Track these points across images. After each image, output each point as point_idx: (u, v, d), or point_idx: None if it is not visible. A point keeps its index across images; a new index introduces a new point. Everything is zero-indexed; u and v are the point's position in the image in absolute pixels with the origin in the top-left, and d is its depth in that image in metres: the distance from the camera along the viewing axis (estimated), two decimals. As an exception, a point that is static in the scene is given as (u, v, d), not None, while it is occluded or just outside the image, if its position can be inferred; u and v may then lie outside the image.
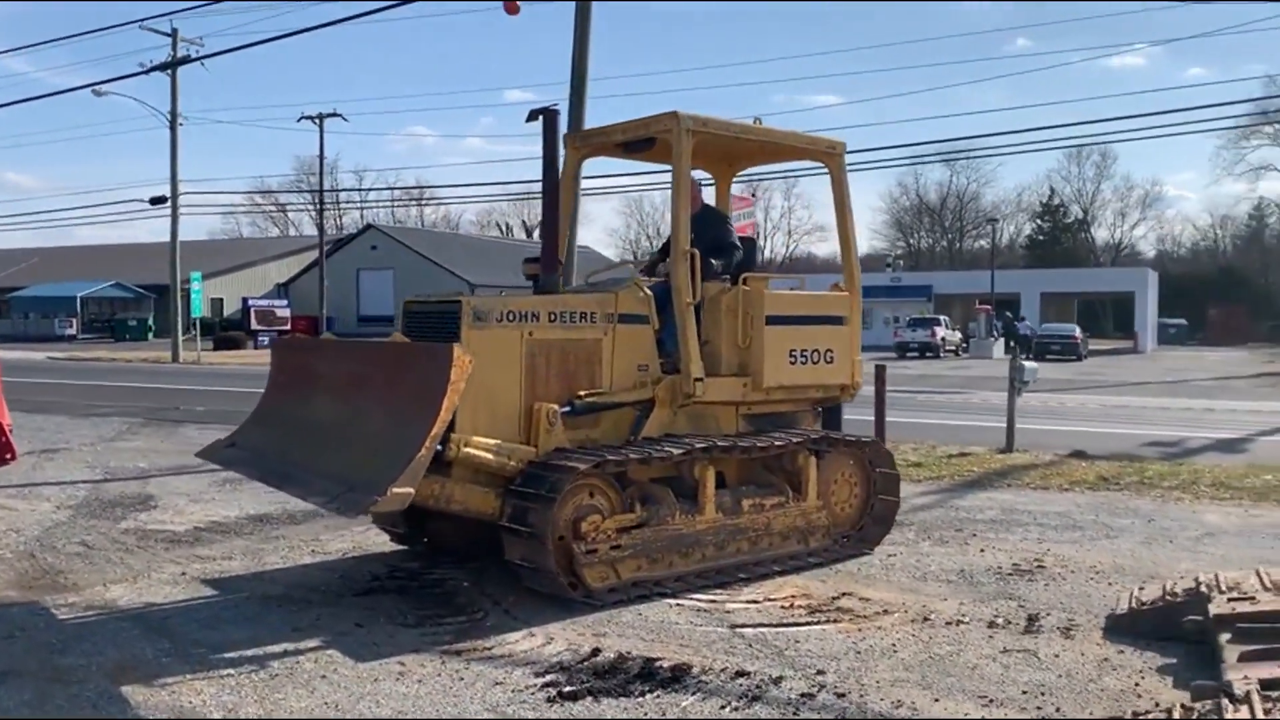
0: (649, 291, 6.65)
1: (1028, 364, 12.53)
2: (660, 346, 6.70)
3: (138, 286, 61.39)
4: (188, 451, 12.41)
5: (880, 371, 11.45)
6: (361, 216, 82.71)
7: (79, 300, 59.19)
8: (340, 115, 43.17)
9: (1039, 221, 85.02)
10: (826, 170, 7.75)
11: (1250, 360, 43.46)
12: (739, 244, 7.47)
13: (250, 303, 48.62)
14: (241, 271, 65.83)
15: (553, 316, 6.20)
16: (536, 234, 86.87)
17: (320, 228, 48.24)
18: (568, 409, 6.12)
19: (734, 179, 8.55)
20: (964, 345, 44.73)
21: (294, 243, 76.74)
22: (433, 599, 5.84)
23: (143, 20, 34.68)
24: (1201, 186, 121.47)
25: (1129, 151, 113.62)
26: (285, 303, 51.69)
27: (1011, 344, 45.07)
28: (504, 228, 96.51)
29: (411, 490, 4.90)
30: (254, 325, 45.87)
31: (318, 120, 43.31)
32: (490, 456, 5.66)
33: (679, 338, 6.60)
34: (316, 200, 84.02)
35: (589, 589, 5.64)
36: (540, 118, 6.58)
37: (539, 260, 6.79)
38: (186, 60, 35.94)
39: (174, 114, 37.01)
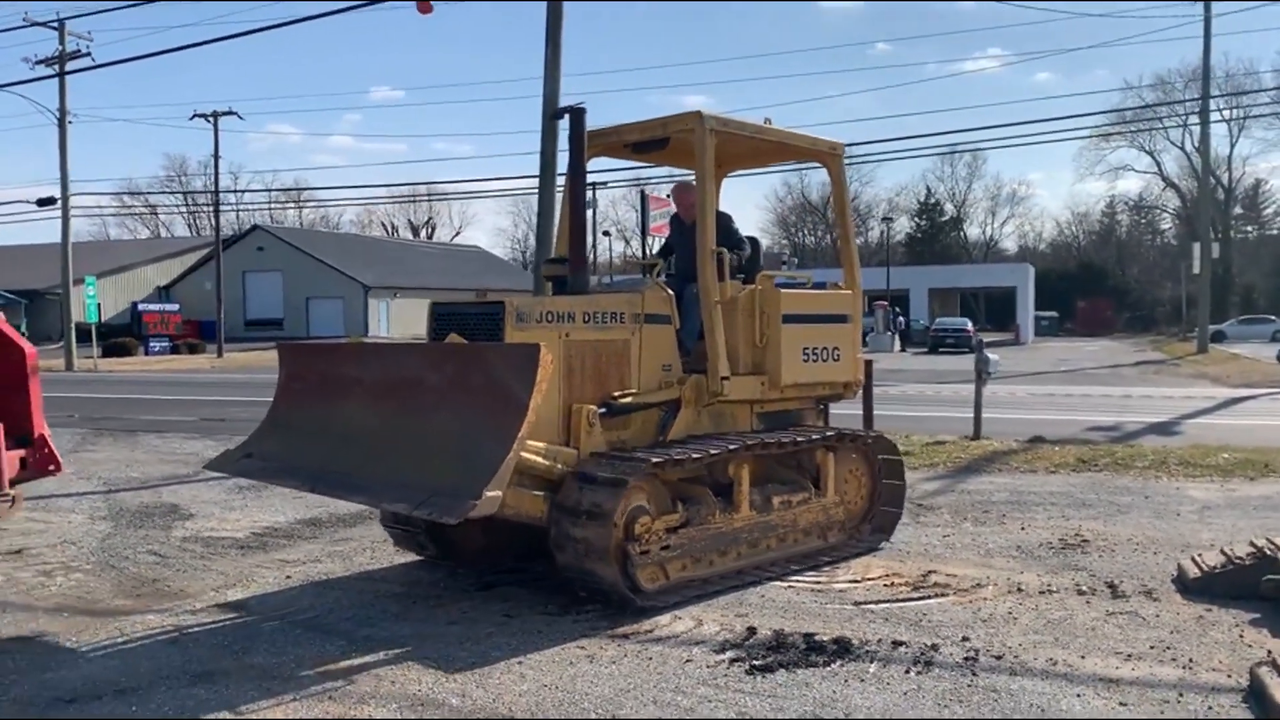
0: (670, 291, 6.69)
1: (991, 356, 13.33)
2: (680, 346, 6.73)
3: (6, 292, 58.23)
4: (168, 460, 12.25)
5: (868, 366, 12.04)
6: (238, 218, 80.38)
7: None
8: (235, 114, 41.91)
9: (917, 220, 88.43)
10: (826, 171, 7.96)
11: (1125, 349, 46.30)
12: (746, 242, 7.48)
13: (141, 307, 46.77)
14: (119, 275, 63.10)
15: (586, 317, 6.18)
16: (425, 233, 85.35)
17: (217, 229, 46.72)
18: (604, 410, 6.12)
19: (723, 180, 8.26)
20: (863, 340, 46.27)
21: (171, 245, 73.99)
22: (558, 591, 6.04)
23: (31, 18, 33.16)
24: (1056, 186, 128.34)
25: (997, 152, 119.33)
26: (176, 307, 49.92)
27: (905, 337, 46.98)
28: (389, 227, 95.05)
29: (501, 493, 4.84)
30: (150, 330, 44.17)
31: (211, 118, 41.96)
32: (541, 460, 5.60)
33: (707, 337, 6.68)
34: (200, 201, 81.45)
35: (642, 590, 5.67)
36: (567, 116, 6.57)
37: (563, 261, 6.75)
38: (75, 55, 34.52)
39: (62, 111, 35.44)
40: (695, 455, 5.99)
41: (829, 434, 7.04)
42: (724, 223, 7.19)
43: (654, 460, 5.72)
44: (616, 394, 6.25)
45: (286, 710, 4.26)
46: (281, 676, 4.66)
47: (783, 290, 7.12)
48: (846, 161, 8.12)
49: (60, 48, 34.32)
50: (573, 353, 6.06)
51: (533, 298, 6.27)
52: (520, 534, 6.10)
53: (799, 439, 6.77)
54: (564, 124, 6.79)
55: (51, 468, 8.08)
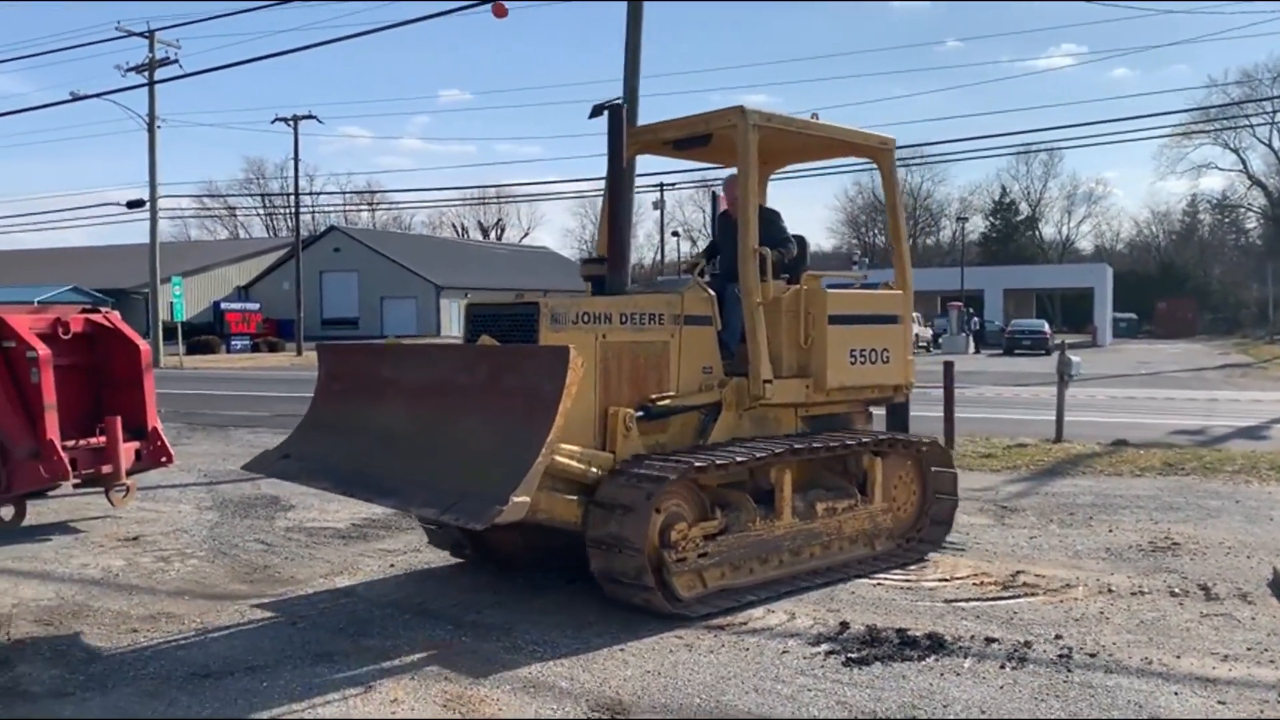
0: (711, 292, 6.54)
1: (1074, 358, 13.22)
2: (721, 347, 6.59)
3: (95, 291, 60.33)
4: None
5: (948, 368, 12.05)
6: (313, 219, 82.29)
7: (35, 305, 57.94)
8: (315, 117, 42.97)
9: (991, 220, 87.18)
10: (876, 167, 7.74)
11: (1207, 352, 45.17)
12: (792, 240, 7.27)
13: (223, 306, 48.17)
14: (201, 275, 64.96)
15: (623, 318, 6.05)
16: (494, 234, 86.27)
17: (297, 230, 47.97)
18: (642, 413, 5.99)
19: (770, 176, 8.26)
20: (936, 342, 45.88)
21: (250, 245, 75.87)
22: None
23: (121, 29, 34.36)
24: (1134, 184, 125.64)
25: (1073, 151, 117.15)
26: (257, 306, 51.27)
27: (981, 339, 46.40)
28: (460, 228, 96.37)
29: (528, 499, 4.75)
30: (232, 329, 45.50)
31: (292, 122, 43.05)
32: (575, 464, 5.50)
33: (748, 339, 6.52)
34: (276, 203, 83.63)
35: (679, 598, 5.55)
36: (605, 114, 6.31)
37: (600, 261, 6.61)
38: (165, 63, 35.68)
39: (152, 117, 36.64)
40: (739, 460, 5.82)
41: (881, 438, 6.88)
42: (770, 219, 6.99)
43: (676, 473, 5.50)
44: (654, 397, 6.12)
45: (405, 688, 4.50)
46: (397, 657, 4.91)
47: (829, 290, 6.95)
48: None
49: (150, 56, 35.51)
50: (609, 354, 5.95)
51: (569, 298, 6.09)
52: (561, 536, 5.89)
53: (848, 442, 6.58)
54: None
55: (164, 459, 8.51)
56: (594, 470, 5.60)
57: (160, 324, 36.87)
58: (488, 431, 5.25)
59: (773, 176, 8.36)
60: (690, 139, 7.17)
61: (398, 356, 6.24)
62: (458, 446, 5.34)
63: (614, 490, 5.49)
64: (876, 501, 6.77)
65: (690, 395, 6.33)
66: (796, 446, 6.20)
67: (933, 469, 7.18)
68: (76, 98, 33.29)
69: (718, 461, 5.73)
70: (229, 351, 44.94)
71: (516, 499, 4.66)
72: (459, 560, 6.93)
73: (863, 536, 6.68)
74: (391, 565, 6.84)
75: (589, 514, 5.51)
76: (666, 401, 6.17)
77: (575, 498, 5.54)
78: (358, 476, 5.62)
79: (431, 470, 5.29)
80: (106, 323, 8.56)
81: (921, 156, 59.73)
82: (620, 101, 6.37)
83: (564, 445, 5.36)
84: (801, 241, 7.53)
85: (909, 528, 7.09)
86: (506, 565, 6.58)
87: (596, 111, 6.40)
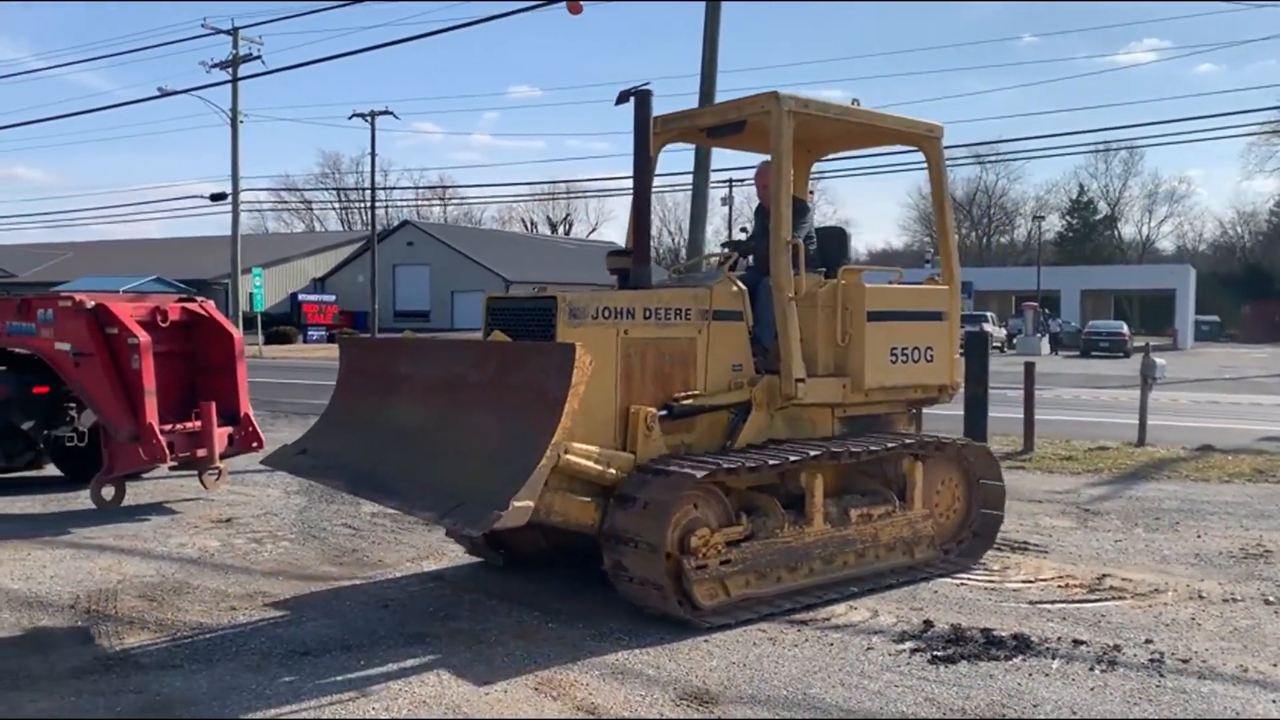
0: (742, 286, 6.28)
1: (1158, 360, 12.94)
2: (754, 344, 6.35)
3: (176, 281, 62.04)
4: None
5: (1029, 369, 11.89)
6: (386, 214, 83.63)
7: (121, 294, 59.79)
8: (391, 113, 43.66)
9: (1069, 219, 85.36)
10: (922, 156, 7.33)
11: (1294, 358, 43.75)
12: (814, 237, 6.97)
13: (300, 297, 49.24)
14: (278, 266, 66.37)
15: (647, 313, 5.78)
16: (563, 229, 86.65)
17: (373, 224, 48.98)
18: (665, 412, 5.76)
19: (813, 166, 8.02)
20: (1010, 342, 45.07)
21: (327, 238, 77.35)
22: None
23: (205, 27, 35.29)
24: (1219, 183, 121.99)
25: (1155, 149, 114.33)
26: (333, 297, 52.31)
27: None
28: (529, 223, 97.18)
29: (532, 504, 4.56)
30: (309, 320, 46.52)
31: (369, 117, 43.80)
32: (591, 464, 5.28)
33: (780, 336, 6.24)
34: (351, 197, 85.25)
35: (699, 607, 5.30)
36: (631, 100, 6.02)
37: (626, 254, 6.39)
38: (248, 59, 36.57)
39: (234, 112, 37.58)
40: (751, 465, 5.55)
41: (927, 440, 6.57)
42: (795, 210, 6.51)
43: (703, 471, 5.30)
44: (679, 395, 5.89)
45: (497, 670, 4.61)
46: (487, 642, 5.02)
47: (868, 285, 6.64)
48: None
49: (234, 52, 36.42)
50: (631, 351, 5.71)
51: (590, 293, 5.83)
52: (588, 537, 5.51)
53: (873, 447, 6.21)
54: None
55: (255, 445, 8.77)
56: (612, 471, 5.37)
57: (240, 314, 37.82)
58: (493, 432, 5.09)
59: (813, 170, 8.07)
60: (724, 125, 6.95)
61: (414, 351, 6.12)
62: (464, 447, 5.21)
63: (630, 492, 5.29)
64: (916, 508, 6.45)
65: (718, 394, 6.08)
66: (832, 451, 5.93)
67: (980, 479, 6.86)
68: (164, 93, 34.44)
69: (748, 464, 5.51)
70: (305, 341, 45.94)
71: (517, 504, 4.49)
72: (540, 548, 7.03)
73: (901, 544, 6.37)
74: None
75: (605, 518, 5.32)
76: (691, 400, 5.94)
77: (591, 500, 5.33)
78: (367, 475, 5.51)
79: (436, 471, 5.18)
80: (203, 311, 8.85)
81: (997, 153, 58.83)
82: (648, 88, 6.00)
83: (580, 445, 5.21)
84: (841, 234, 7.33)
85: (951, 535, 6.78)
86: (525, 563, 6.44)
87: (623, 98, 6.10)
